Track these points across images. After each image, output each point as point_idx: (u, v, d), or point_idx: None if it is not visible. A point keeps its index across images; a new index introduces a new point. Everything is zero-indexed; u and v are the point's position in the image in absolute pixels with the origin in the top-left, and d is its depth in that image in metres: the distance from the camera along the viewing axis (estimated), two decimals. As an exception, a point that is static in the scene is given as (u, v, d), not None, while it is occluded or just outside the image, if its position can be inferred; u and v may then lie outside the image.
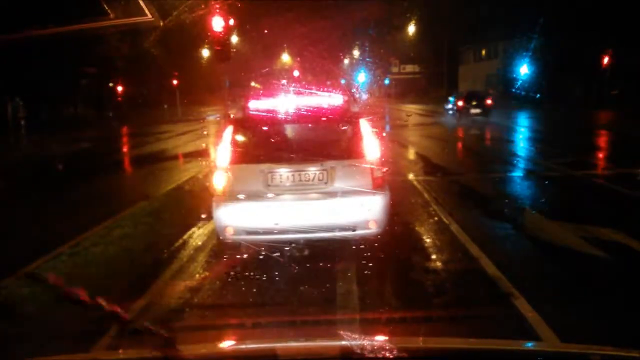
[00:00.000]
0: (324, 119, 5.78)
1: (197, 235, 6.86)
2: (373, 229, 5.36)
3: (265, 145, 5.60)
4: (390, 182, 5.90)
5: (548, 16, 25.95)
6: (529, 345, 2.76)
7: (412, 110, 37.28)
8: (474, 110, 22.30)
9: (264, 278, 5.31)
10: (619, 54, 26.36)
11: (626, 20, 24.46)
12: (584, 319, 4.13)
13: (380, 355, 1.85)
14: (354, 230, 5.37)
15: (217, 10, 10.57)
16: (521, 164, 12.94)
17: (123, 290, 5.22)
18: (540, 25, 26.28)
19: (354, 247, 5.69)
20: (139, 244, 6.73)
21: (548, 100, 26.51)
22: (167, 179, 11.49)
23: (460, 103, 24.03)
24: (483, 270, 5.37)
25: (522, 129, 22.51)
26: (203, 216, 7.28)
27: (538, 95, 27.61)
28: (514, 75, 31.18)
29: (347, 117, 5.76)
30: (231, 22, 10.30)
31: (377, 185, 5.41)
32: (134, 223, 7.57)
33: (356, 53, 43.49)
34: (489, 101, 23.45)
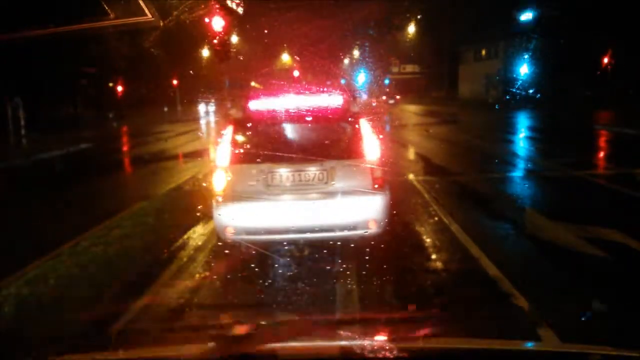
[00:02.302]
0: (324, 119, 5.78)
1: (197, 235, 6.86)
2: (373, 228, 5.36)
3: (265, 145, 5.60)
4: (390, 182, 5.90)
5: (548, 16, 25.94)
6: (529, 345, 2.76)
7: (411, 110, 37.28)
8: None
9: (264, 278, 5.31)
10: (619, 54, 26.36)
11: (627, 19, 24.44)
12: (584, 319, 4.13)
13: (380, 355, 1.85)
14: (354, 230, 5.37)
15: (217, 10, 10.57)
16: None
17: (123, 290, 5.22)
18: (540, 25, 26.27)
19: (354, 247, 5.68)
20: (139, 244, 6.72)
21: (548, 100, 26.50)
22: (166, 179, 11.48)
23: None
24: (483, 270, 5.37)
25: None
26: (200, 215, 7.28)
27: (538, 95, 27.61)
28: (514, 75, 31.18)
29: (347, 117, 5.75)
30: (222, 23, 10.25)
31: (377, 185, 5.41)
32: (133, 223, 7.57)
33: (356, 53, 43.46)
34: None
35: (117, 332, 4.22)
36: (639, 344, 2.04)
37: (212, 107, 36.08)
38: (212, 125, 28.22)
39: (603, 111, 25.12)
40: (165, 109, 35.60)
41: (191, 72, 35.34)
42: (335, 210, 5.32)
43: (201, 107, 37.80)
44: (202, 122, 32.81)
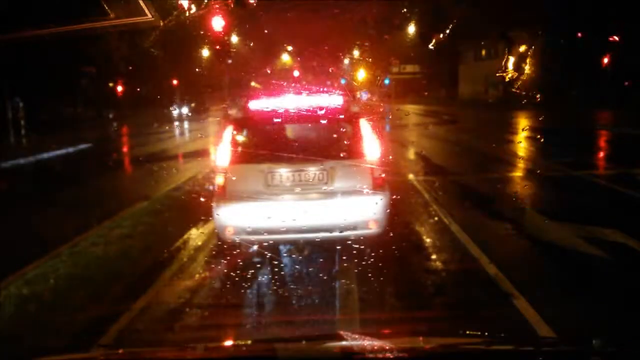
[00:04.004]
0: (323, 119, 5.78)
1: (197, 235, 6.86)
2: (373, 229, 5.36)
3: (265, 145, 5.60)
4: (390, 182, 5.90)
5: (549, 15, 25.96)
6: (529, 345, 2.75)
7: (411, 111, 37.37)
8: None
9: (264, 278, 5.31)
10: (620, 53, 26.36)
11: (628, 18, 24.44)
12: (584, 319, 4.13)
13: (380, 356, 1.85)
14: (354, 230, 5.37)
15: (217, 10, 10.57)
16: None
17: (123, 290, 5.22)
18: (540, 24, 26.29)
19: (354, 247, 5.69)
20: (139, 243, 6.73)
21: (548, 100, 26.50)
22: (167, 179, 11.48)
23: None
24: (483, 270, 5.37)
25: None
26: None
27: (538, 95, 27.61)
28: (514, 75, 31.14)
29: (347, 117, 5.76)
30: (222, 23, 10.28)
31: (377, 185, 5.41)
32: (134, 223, 7.57)
33: (356, 53, 43.52)
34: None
35: (117, 332, 4.22)
36: (639, 343, 2.04)
37: (211, 107, 36.26)
38: (212, 125, 28.24)
39: (603, 111, 25.13)
40: (166, 110, 35.66)
41: (191, 72, 35.40)
42: (335, 210, 5.31)
43: (201, 108, 38.07)
44: (202, 122, 32.82)
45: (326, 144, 5.72)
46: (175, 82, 35.21)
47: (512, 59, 30.57)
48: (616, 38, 26.50)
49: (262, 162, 5.42)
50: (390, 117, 30.81)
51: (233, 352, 2.18)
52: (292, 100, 5.89)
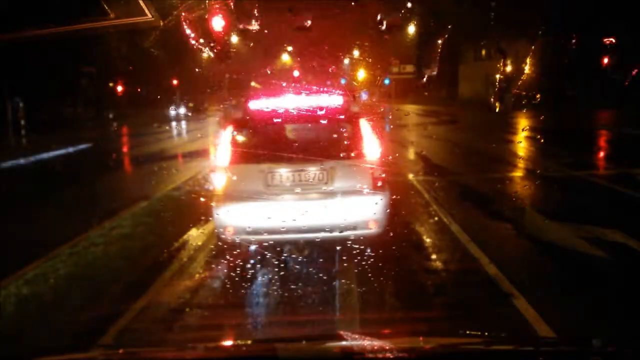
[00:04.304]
0: (323, 119, 5.78)
1: (197, 235, 6.86)
2: (373, 229, 5.36)
3: (265, 145, 5.60)
4: (390, 182, 5.89)
5: (549, 15, 25.95)
6: (529, 345, 2.76)
7: (411, 110, 37.39)
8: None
9: (264, 278, 5.31)
10: (620, 53, 26.36)
11: (628, 17, 24.44)
12: (584, 319, 4.14)
13: (380, 356, 1.85)
14: (354, 230, 5.37)
15: (217, 10, 10.55)
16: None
17: (123, 290, 5.22)
18: (541, 24, 26.28)
19: (354, 247, 5.69)
20: (139, 244, 6.73)
21: (548, 100, 26.52)
22: (167, 179, 11.48)
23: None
24: (483, 270, 5.37)
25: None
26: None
27: (538, 95, 27.61)
28: (514, 75, 31.14)
29: (347, 117, 5.76)
30: (222, 23, 10.24)
31: (377, 185, 5.41)
32: (134, 223, 7.57)
33: (356, 53, 43.51)
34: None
35: (117, 332, 4.23)
36: (639, 343, 2.04)
37: (210, 108, 36.34)
38: (212, 125, 28.23)
39: (603, 111, 25.14)
40: (165, 110, 35.66)
41: (191, 72, 35.37)
42: (335, 210, 5.32)
43: (200, 108, 38.15)
44: (202, 122, 32.84)
45: (326, 144, 5.72)
46: (175, 82, 35.18)
47: (508, 67, 30.58)
48: (612, 40, 26.53)
49: (262, 162, 5.42)
50: (390, 117, 30.80)
51: (233, 352, 2.18)
52: (292, 100, 5.89)
